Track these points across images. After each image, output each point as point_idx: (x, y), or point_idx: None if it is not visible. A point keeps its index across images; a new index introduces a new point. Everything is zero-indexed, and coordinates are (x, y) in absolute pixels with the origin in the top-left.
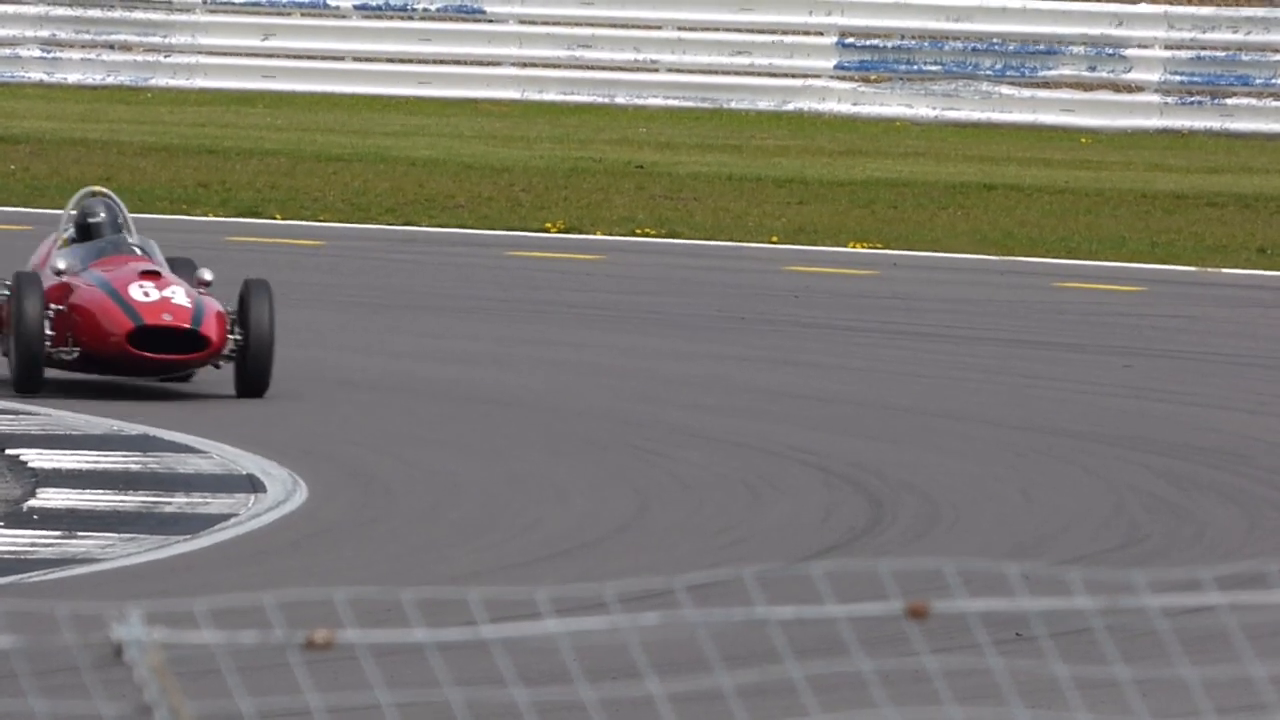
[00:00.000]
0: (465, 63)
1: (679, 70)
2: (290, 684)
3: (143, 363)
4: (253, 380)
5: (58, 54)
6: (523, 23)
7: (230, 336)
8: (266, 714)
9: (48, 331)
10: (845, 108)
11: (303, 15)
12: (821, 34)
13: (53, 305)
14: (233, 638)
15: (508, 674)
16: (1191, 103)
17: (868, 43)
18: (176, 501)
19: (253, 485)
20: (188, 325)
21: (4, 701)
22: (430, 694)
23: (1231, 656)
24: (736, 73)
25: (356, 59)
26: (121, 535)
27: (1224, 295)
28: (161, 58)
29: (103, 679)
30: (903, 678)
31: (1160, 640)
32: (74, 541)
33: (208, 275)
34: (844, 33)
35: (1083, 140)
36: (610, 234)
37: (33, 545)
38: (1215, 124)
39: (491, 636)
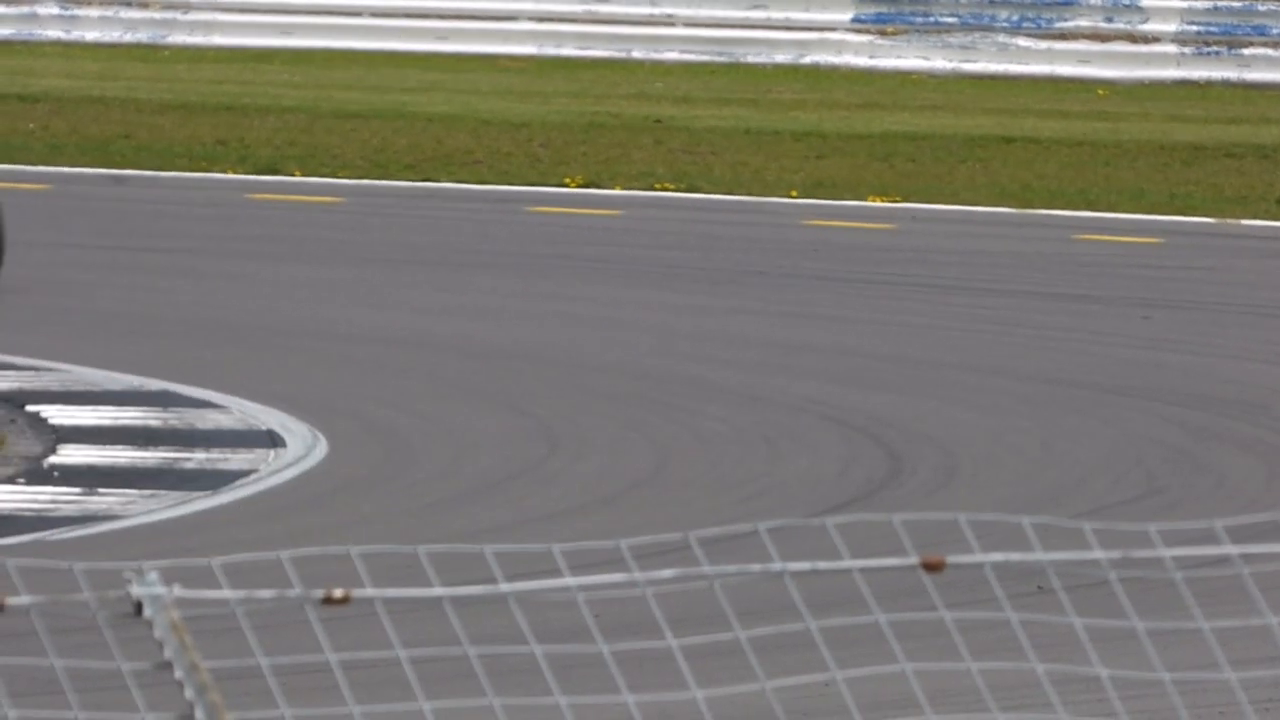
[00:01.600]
0: (482, 18)
1: (695, 24)
2: (308, 640)
3: None
4: None
5: (75, 11)
6: None
7: None
8: (283, 670)
9: None
10: (862, 60)
11: None
12: None
13: None
14: (250, 594)
15: (525, 630)
16: (1209, 53)
17: None
18: (196, 457)
19: (273, 441)
20: None
21: (22, 659)
22: (447, 650)
23: (1249, 609)
24: (753, 26)
25: (374, 14)
26: (142, 491)
27: (1243, 246)
28: (179, 15)
29: (121, 636)
30: (921, 631)
31: (1177, 592)
32: (94, 498)
33: None
34: None
35: (1100, 92)
36: (628, 189)
37: (53, 502)
38: (1233, 74)
39: (508, 591)
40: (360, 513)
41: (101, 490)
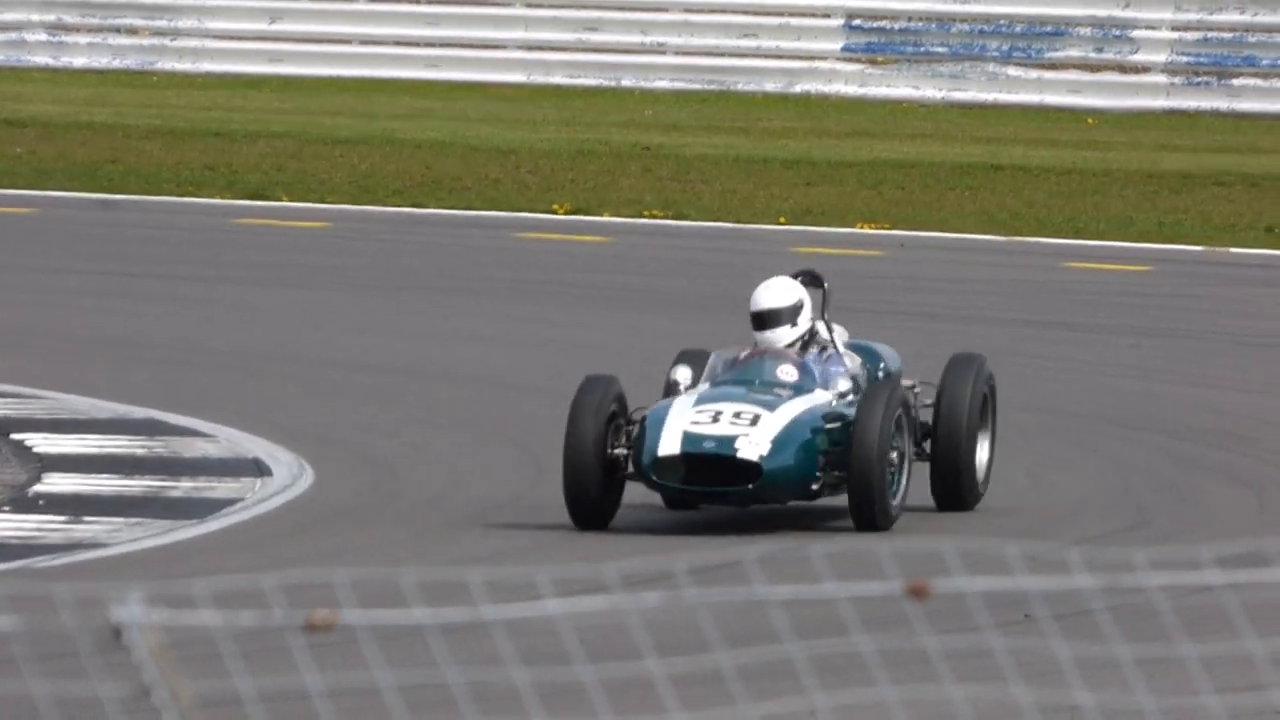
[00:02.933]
0: (472, 46)
1: (685, 52)
2: (291, 665)
3: None
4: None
5: (64, 38)
6: (529, 5)
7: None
8: (267, 695)
9: None
10: (852, 89)
11: None
12: (828, 15)
13: None
14: (232, 619)
15: (509, 655)
16: (1198, 83)
17: (874, 24)
18: (183, 486)
19: (259, 469)
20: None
21: (4, 683)
22: (431, 675)
23: (1232, 635)
24: (743, 55)
25: (363, 42)
26: (127, 520)
27: (1231, 275)
28: (167, 41)
29: (102, 661)
30: (904, 658)
31: (1162, 620)
32: (80, 526)
33: None
34: (850, 14)
35: (1089, 121)
36: (617, 215)
37: (39, 530)
38: (1222, 104)
39: (493, 618)
40: (347, 541)
41: (87, 518)
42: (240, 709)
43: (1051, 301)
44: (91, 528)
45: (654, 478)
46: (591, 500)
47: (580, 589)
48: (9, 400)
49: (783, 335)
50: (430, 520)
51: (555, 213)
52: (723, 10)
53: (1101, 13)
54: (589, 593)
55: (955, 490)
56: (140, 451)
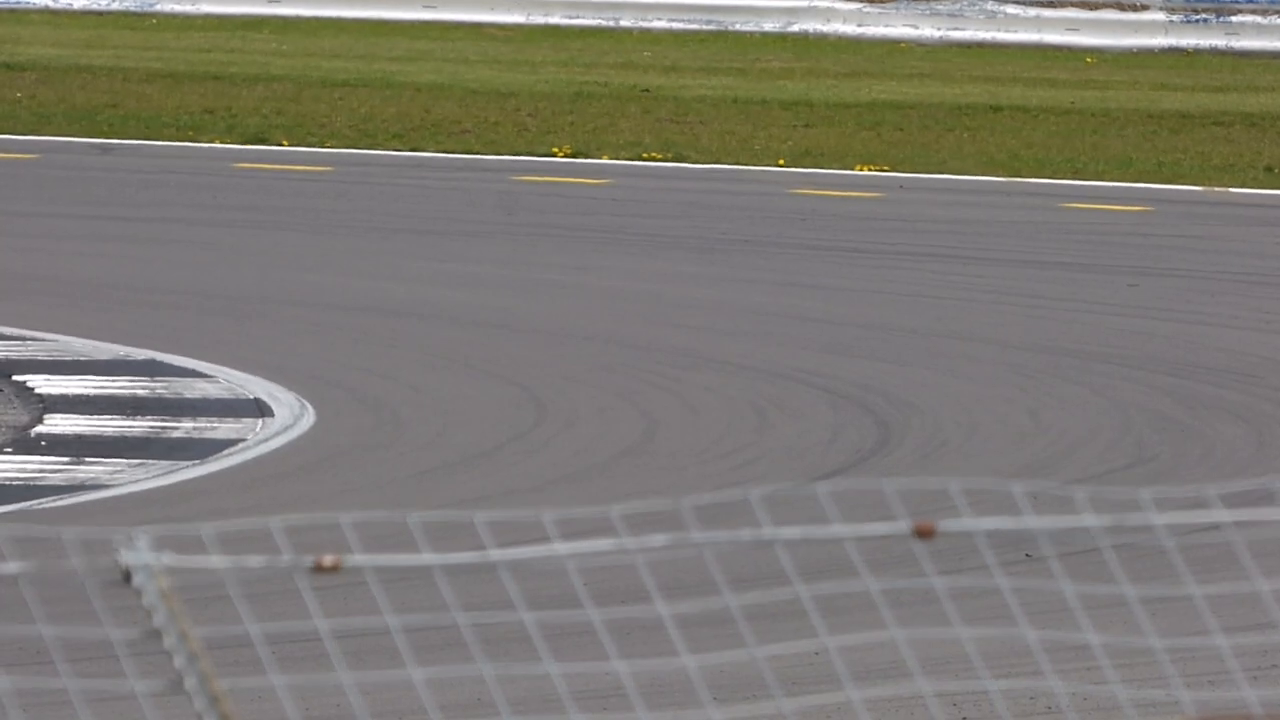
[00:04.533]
0: None
1: None
2: (298, 608)
3: None
4: None
5: None
6: None
7: None
8: (274, 638)
9: None
10: (850, 29)
11: None
12: None
13: None
14: (240, 562)
15: (515, 597)
16: (1197, 20)
17: None
18: (184, 426)
19: (260, 410)
20: None
21: (12, 627)
22: (438, 617)
23: (1240, 575)
24: None
25: None
26: (129, 460)
27: (1230, 214)
28: None
29: (111, 604)
30: (911, 598)
31: (1168, 559)
32: (82, 467)
33: None
34: None
35: (1088, 60)
36: (616, 158)
37: (41, 471)
38: (1221, 42)
39: (498, 559)
40: (349, 482)
41: (89, 459)
42: (249, 649)
43: (1051, 242)
44: (93, 469)
45: None
46: None
47: (585, 530)
48: (10, 342)
49: None
50: (431, 461)
51: (555, 155)
52: None
53: None
54: (594, 533)
55: None
56: (141, 392)
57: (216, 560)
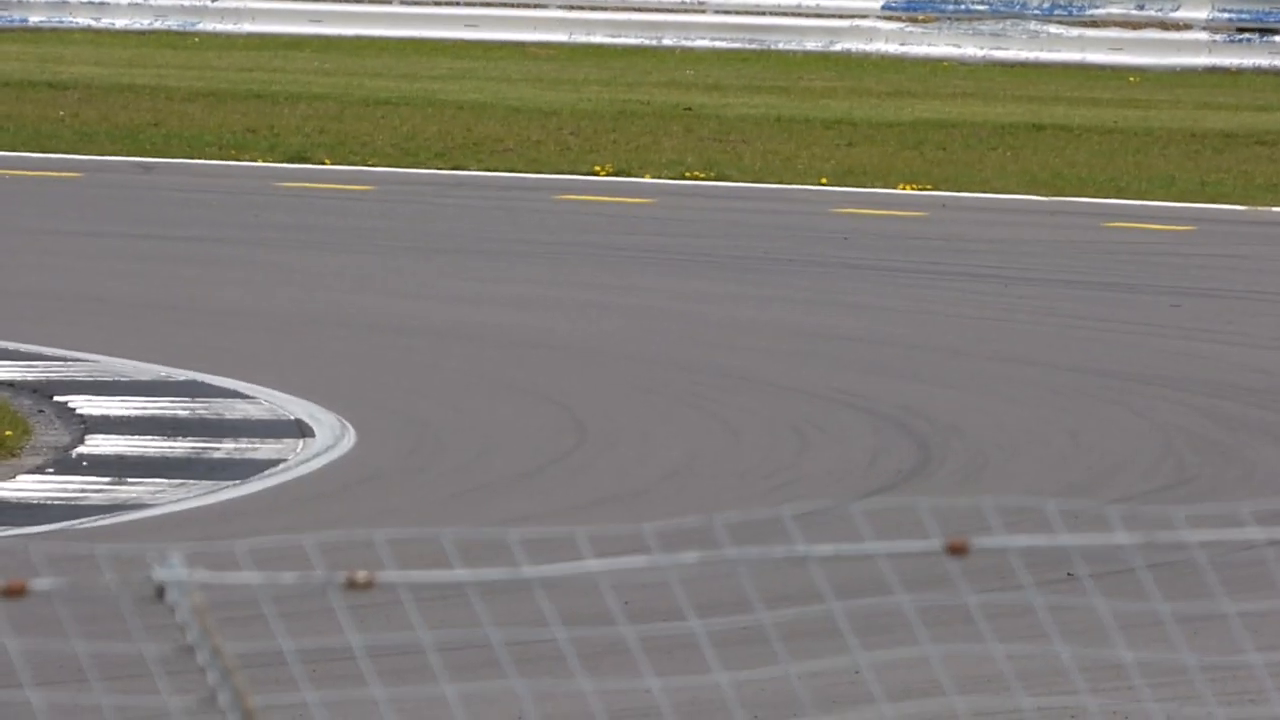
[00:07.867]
0: (512, 5)
1: (726, 11)
2: (332, 625)
3: None
4: None
5: None
6: None
7: None
8: (309, 654)
9: None
10: (893, 48)
11: None
12: None
13: None
14: (272, 578)
15: (548, 614)
16: (1240, 40)
17: None
18: (225, 447)
19: (301, 430)
20: None
21: (47, 642)
22: (472, 634)
23: (1275, 592)
24: (784, 14)
25: (403, 2)
26: (170, 481)
27: (1273, 234)
28: (209, 2)
29: (144, 621)
30: (947, 616)
31: (1204, 578)
32: (123, 487)
33: None
34: None
35: (1131, 79)
36: (659, 177)
37: (82, 491)
38: (1264, 61)
39: (532, 576)
40: (389, 503)
41: (130, 480)
42: (283, 666)
43: (1093, 261)
44: (134, 489)
45: None
46: None
47: (619, 548)
48: (52, 363)
49: None
50: (471, 482)
51: (597, 174)
52: None
53: None
54: (629, 552)
55: None
56: (183, 413)
57: (249, 576)
